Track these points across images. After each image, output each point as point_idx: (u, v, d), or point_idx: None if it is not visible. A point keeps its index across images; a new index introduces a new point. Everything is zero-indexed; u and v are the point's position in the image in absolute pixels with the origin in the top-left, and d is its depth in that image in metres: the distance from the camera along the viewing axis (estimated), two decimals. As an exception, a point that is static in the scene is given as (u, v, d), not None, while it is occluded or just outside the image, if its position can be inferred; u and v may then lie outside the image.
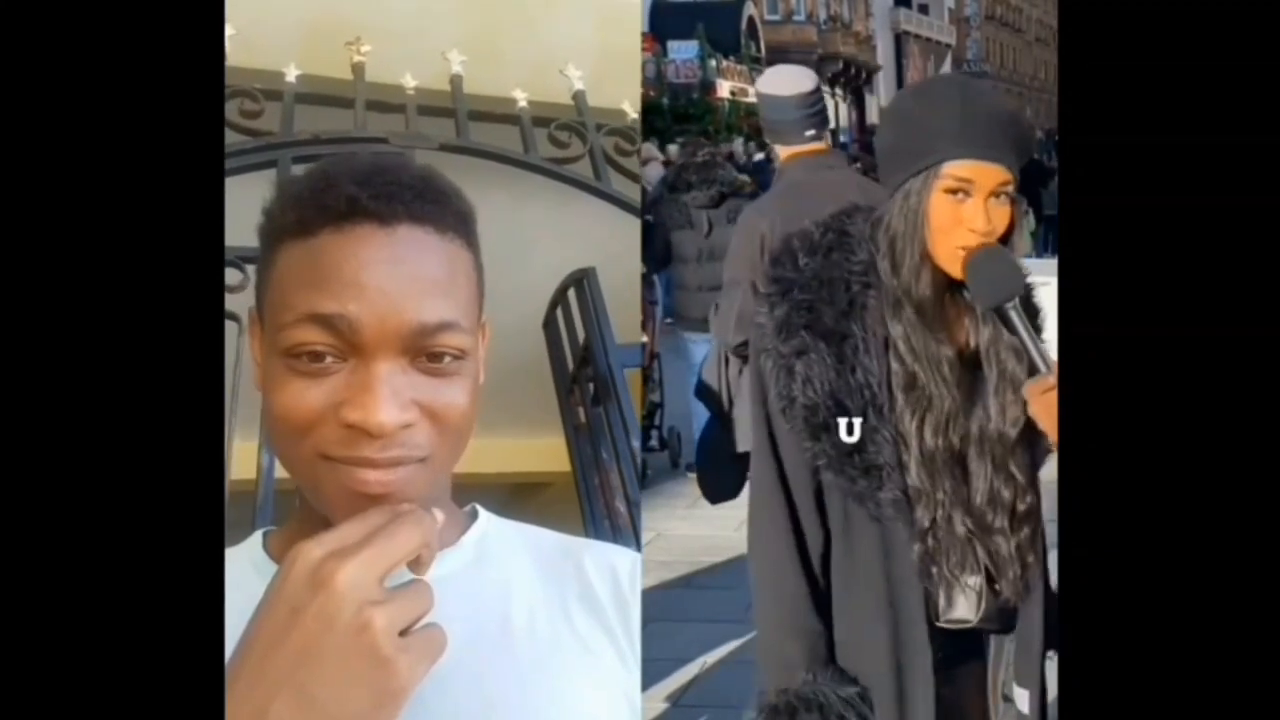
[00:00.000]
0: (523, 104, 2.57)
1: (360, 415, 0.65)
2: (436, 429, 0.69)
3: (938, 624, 1.01)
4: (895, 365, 0.99)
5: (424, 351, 0.68)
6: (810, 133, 2.08)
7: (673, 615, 2.79)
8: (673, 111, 11.02)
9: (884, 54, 14.99)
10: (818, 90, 2.16)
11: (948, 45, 16.27)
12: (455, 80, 2.55)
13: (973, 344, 1.01)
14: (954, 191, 0.94)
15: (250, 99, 2.31)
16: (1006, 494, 1.01)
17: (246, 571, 0.79)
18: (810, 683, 1.00)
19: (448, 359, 0.69)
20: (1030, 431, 1.00)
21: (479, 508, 0.87)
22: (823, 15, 13.51)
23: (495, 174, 2.51)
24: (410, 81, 2.51)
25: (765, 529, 1.03)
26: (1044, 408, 0.94)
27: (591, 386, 2.51)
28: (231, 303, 1.98)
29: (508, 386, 2.52)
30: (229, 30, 2.38)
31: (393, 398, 0.66)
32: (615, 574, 0.82)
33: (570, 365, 2.63)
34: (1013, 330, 0.97)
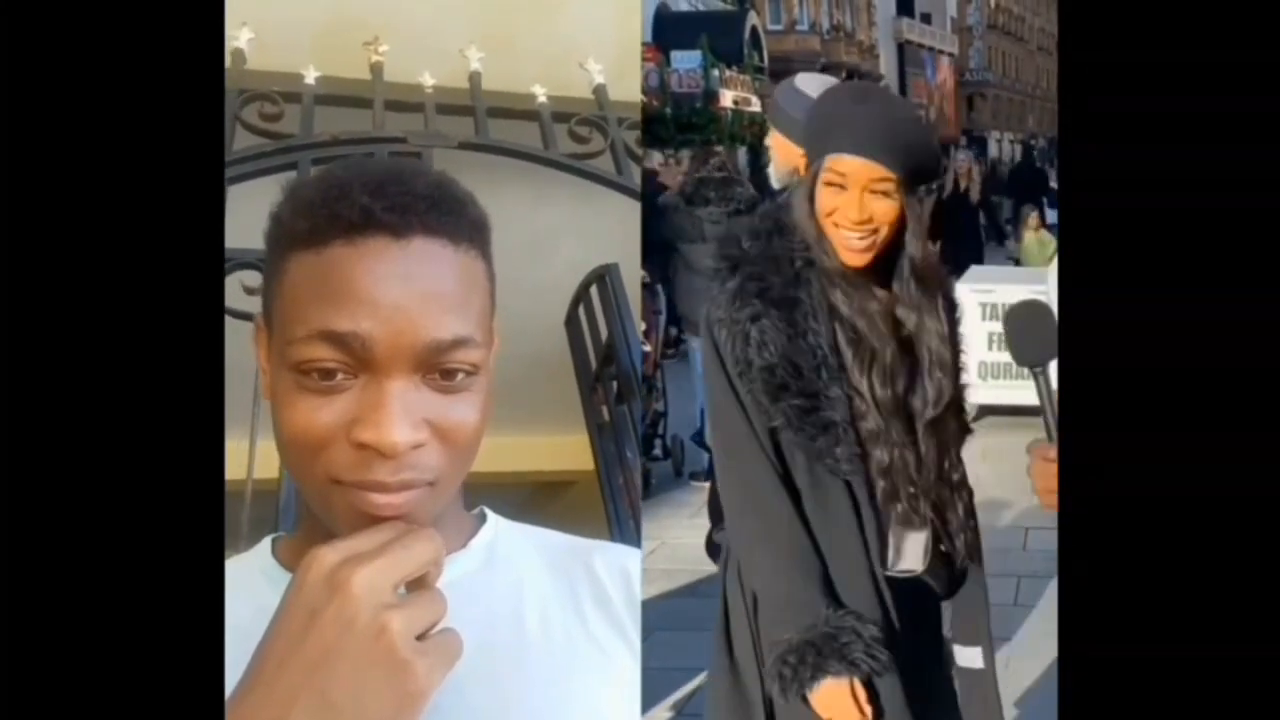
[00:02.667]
0: (542, 99, 2.55)
1: (373, 435, 0.64)
2: (446, 449, 0.68)
3: (887, 573, 1.09)
4: (838, 324, 1.07)
5: (437, 368, 0.67)
6: None
7: (677, 624, 2.75)
8: (675, 121, 11.07)
9: (887, 63, 15.25)
10: None
11: (950, 54, 16.51)
12: (474, 77, 2.54)
13: (904, 330, 1.10)
14: (834, 185, 1.04)
15: (269, 101, 2.31)
16: (945, 464, 1.11)
17: (256, 579, 0.79)
18: (836, 616, 1.04)
19: (461, 375, 0.68)
20: (957, 409, 1.13)
21: (487, 510, 0.86)
22: (826, 24, 13.64)
23: (515, 171, 2.49)
24: (429, 80, 2.50)
25: (755, 485, 1.07)
26: (1041, 473, 0.97)
27: (615, 384, 2.49)
28: (253, 305, 1.97)
29: (529, 384, 2.50)
30: (248, 34, 2.38)
31: (405, 416, 0.65)
32: (627, 574, 0.82)
33: (593, 363, 2.61)
34: (1038, 391, 1.01)
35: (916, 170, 1.05)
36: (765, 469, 1.06)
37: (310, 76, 2.43)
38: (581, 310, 2.63)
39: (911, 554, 1.10)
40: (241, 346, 1.82)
